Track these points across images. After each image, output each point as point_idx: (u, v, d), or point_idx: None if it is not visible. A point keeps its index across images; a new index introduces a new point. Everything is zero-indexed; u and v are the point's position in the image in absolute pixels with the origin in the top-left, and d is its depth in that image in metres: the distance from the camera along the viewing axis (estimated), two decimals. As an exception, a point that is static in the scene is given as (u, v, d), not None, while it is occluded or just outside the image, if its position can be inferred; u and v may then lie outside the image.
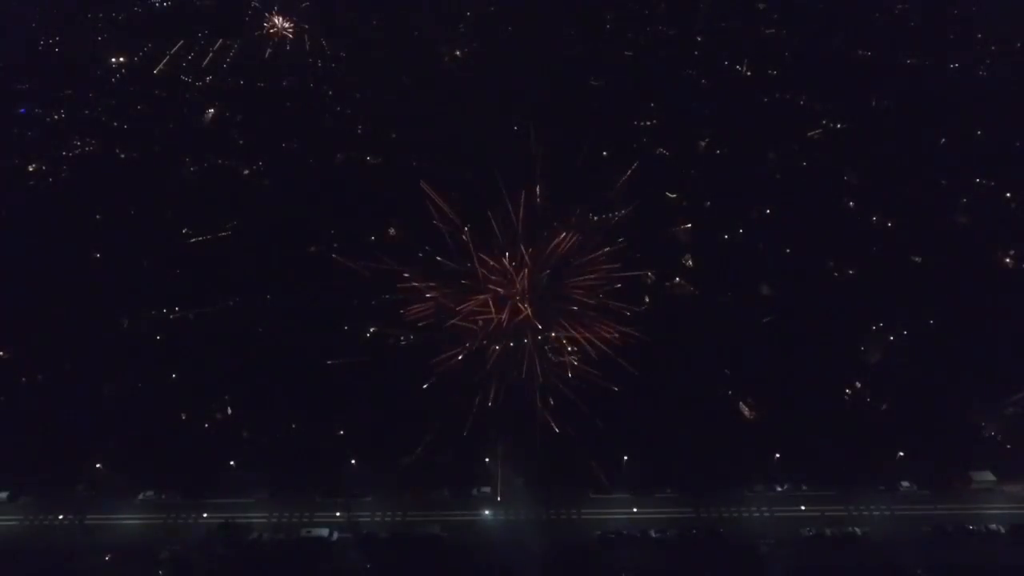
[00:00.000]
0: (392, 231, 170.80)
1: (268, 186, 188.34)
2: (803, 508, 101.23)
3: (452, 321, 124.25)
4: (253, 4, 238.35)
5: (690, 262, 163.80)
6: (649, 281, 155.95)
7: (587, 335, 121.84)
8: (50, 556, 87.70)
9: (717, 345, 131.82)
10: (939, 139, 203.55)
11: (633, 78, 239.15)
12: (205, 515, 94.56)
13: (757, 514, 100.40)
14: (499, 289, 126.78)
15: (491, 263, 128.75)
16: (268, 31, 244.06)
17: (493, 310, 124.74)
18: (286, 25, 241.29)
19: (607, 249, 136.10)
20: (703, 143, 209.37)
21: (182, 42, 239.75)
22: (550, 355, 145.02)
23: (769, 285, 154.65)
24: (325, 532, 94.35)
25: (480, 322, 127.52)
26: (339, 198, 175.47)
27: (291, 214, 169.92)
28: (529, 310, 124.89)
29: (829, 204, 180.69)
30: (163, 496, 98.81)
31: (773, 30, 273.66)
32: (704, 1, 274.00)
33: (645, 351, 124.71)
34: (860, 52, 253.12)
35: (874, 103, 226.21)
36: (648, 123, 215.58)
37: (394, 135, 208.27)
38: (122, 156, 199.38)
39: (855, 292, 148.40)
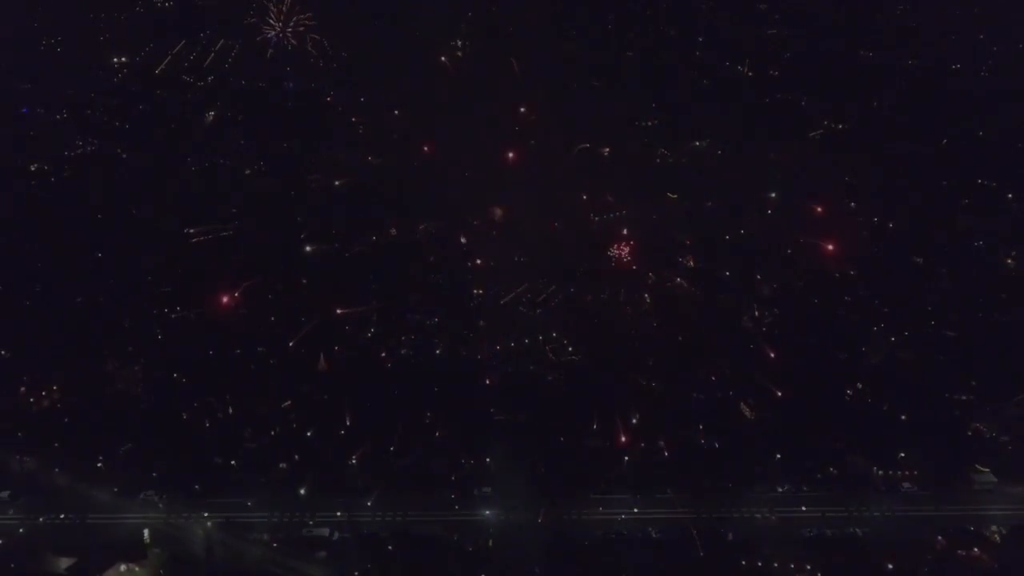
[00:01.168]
0: (394, 231, 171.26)
1: (269, 186, 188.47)
2: (804, 508, 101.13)
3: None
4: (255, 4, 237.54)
5: (691, 263, 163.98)
6: (649, 281, 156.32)
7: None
8: (51, 555, 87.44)
9: (717, 345, 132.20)
10: (940, 140, 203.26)
11: (634, 78, 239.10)
12: (205, 514, 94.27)
13: (758, 515, 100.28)
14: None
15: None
16: (269, 33, 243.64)
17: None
18: (299, 18, 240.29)
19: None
20: (703, 143, 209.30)
21: (184, 42, 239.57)
22: (551, 356, 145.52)
23: (769, 286, 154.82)
24: (325, 532, 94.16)
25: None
26: (338, 197, 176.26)
27: (291, 213, 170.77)
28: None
29: (829, 204, 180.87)
30: (164, 496, 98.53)
31: (775, 30, 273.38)
32: (706, 2, 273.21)
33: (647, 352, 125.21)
34: (862, 52, 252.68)
35: (875, 104, 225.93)
36: (649, 123, 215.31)
37: (395, 136, 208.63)
38: (124, 156, 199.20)
39: (855, 293, 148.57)
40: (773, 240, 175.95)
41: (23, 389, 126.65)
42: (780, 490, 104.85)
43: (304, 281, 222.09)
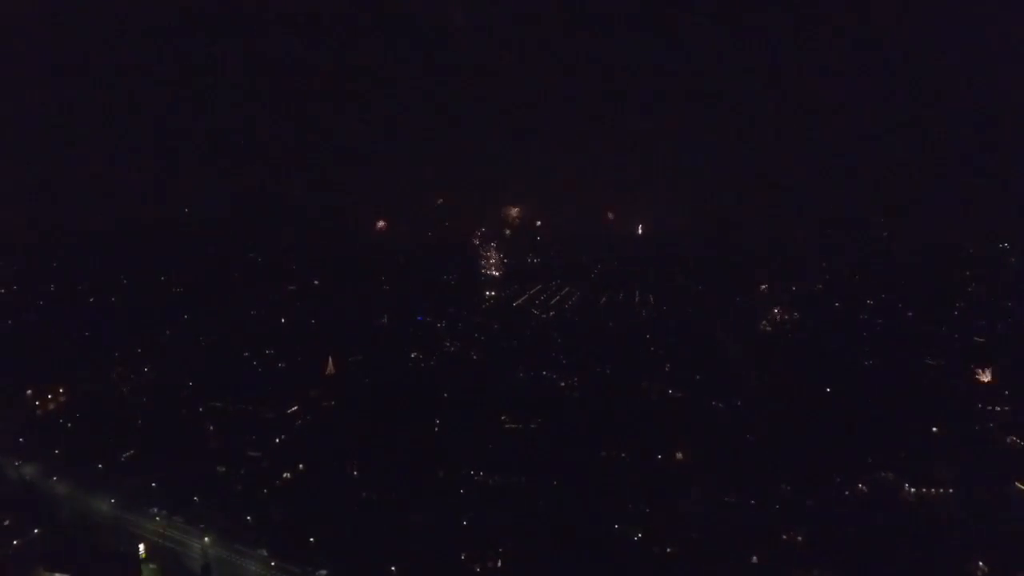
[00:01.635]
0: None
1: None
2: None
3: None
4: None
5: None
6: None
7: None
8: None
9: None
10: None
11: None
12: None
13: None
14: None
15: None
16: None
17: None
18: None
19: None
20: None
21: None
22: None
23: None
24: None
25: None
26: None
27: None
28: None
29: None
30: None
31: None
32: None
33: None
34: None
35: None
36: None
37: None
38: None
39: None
40: (788, 241, 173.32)
41: (29, 392, 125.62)
42: (786, 488, 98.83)
43: (315, 282, 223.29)
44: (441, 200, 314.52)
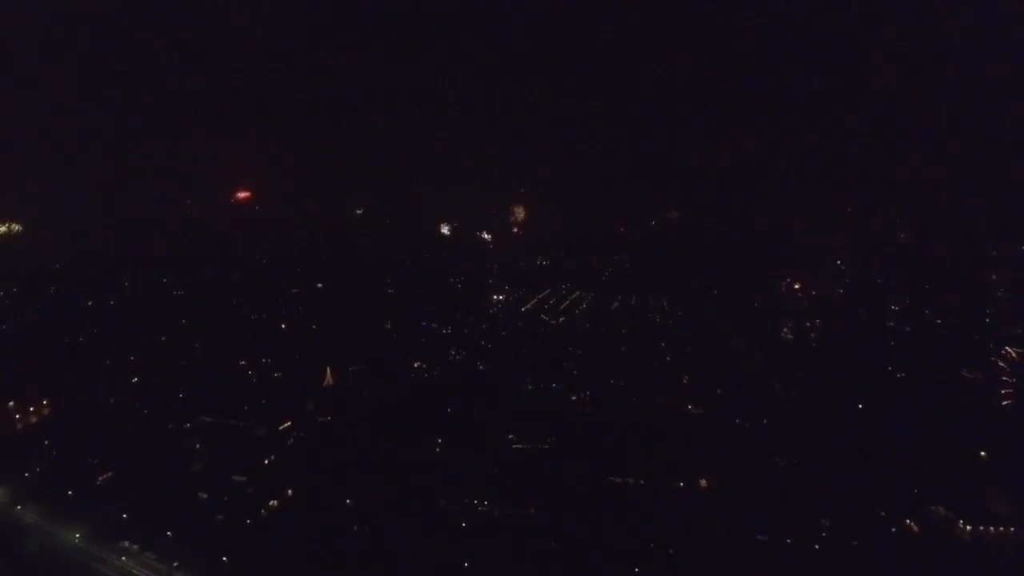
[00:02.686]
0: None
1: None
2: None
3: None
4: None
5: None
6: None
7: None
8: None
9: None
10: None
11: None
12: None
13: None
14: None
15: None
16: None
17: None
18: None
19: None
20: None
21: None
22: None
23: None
24: None
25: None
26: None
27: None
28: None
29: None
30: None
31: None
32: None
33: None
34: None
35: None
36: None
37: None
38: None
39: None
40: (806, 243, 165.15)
41: (11, 404, 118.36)
42: (825, 523, 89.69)
43: (319, 285, 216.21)
44: (447, 201, 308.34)
